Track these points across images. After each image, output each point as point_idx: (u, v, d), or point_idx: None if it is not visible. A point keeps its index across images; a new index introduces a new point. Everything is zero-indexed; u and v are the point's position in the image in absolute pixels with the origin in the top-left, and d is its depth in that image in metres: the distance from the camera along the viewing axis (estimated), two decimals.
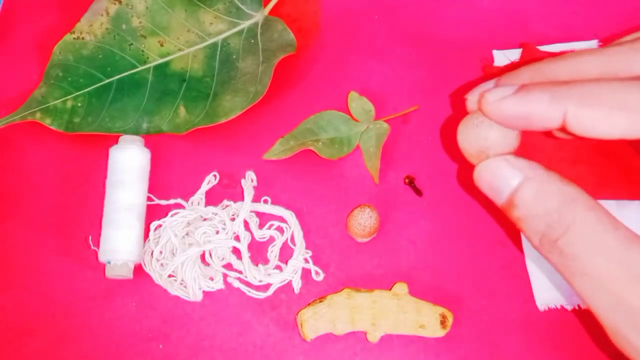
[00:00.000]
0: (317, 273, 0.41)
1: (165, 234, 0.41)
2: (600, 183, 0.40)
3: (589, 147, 0.41)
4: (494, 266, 0.40)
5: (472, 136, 0.26)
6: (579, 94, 0.23)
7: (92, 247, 0.41)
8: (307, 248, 0.41)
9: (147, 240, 0.41)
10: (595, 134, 0.24)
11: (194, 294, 0.40)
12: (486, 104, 0.25)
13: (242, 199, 0.42)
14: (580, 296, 0.23)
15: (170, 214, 0.41)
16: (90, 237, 0.42)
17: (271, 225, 0.42)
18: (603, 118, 0.23)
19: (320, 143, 0.43)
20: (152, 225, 0.41)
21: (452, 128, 0.27)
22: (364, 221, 0.39)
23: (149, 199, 0.42)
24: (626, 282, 0.22)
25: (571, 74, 0.25)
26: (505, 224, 0.41)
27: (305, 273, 0.41)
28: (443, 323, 0.38)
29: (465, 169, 0.43)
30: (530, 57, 0.43)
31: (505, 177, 0.25)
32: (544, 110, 0.24)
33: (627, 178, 0.40)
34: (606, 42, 0.45)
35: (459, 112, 0.44)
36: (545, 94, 0.24)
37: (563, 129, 0.24)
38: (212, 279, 0.40)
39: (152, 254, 0.41)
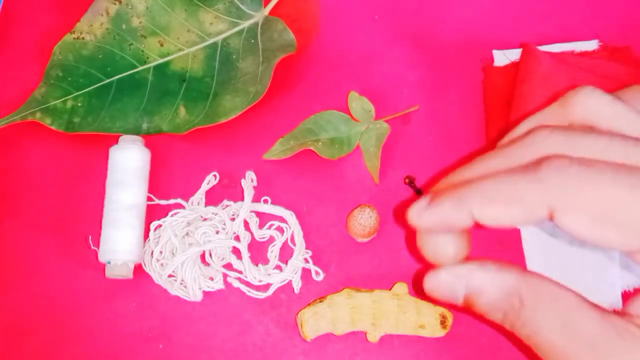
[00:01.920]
0: (317, 273, 0.41)
1: (165, 234, 0.41)
2: None
3: None
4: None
5: (426, 247, 0.28)
6: (478, 195, 0.26)
7: (92, 247, 0.41)
8: (307, 248, 0.41)
9: (147, 240, 0.41)
10: (502, 224, 0.26)
11: (194, 294, 0.40)
12: (410, 220, 0.28)
13: (242, 199, 0.42)
14: None
15: (170, 214, 0.41)
16: (90, 237, 0.42)
17: (271, 225, 0.42)
18: (502, 213, 0.25)
19: (320, 143, 0.43)
20: (152, 225, 0.41)
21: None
22: (364, 221, 0.39)
23: (149, 199, 0.42)
24: (568, 349, 0.24)
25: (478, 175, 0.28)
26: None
27: (305, 273, 0.41)
28: (443, 323, 0.38)
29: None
30: (530, 57, 0.43)
31: (451, 288, 0.27)
32: (452, 216, 0.26)
33: None
34: (606, 42, 0.45)
35: (460, 115, 0.44)
36: (449, 201, 0.26)
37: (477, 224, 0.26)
38: (212, 279, 0.40)
39: (152, 254, 0.41)
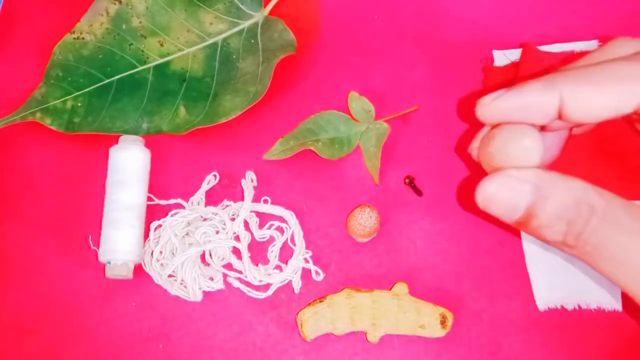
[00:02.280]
0: (317, 273, 0.41)
1: (165, 234, 0.41)
2: (600, 183, 0.40)
3: (588, 148, 0.41)
4: (494, 266, 0.40)
5: (497, 148, 0.25)
6: (571, 77, 0.24)
7: (92, 247, 0.41)
8: (307, 248, 0.41)
9: (147, 240, 0.41)
10: (590, 114, 0.24)
11: (194, 294, 0.40)
12: (482, 107, 0.26)
13: (242, 199, 0.42)
14: (613, 281, 0.23)
15: (170, 214, 0.41)
16: (90, 237, 0.42)
17: (271, 225, 0.42)
18: (596, 94, 0.23)
19: (320, 143, 0.43)
20: (152, 225, 0.41)
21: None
22: (364, 221, 0.39)
23: (149, 199, 0.42)
24: None
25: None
26: (504, 225, 0.41)
27: (305, 273, 0.41)
28: (443, 323, 0.38)
29: (464, 171, 0.43)
30: (530, 57, 0.43)
31: (515, 194, 0.24)
32: (539, 98, 0.24)
33: (627, 178, 0.40)
34: (606, 42, 0.45)
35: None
36: (539, 82, 0.24)
37: (560, 117, 0.24)
38: (212, 279, 0.40)
39: (152, 254, 0.41)
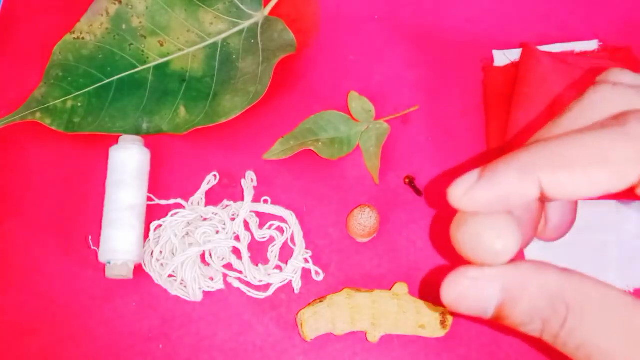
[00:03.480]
0: (317, 273, 0.41)
1: (165, 234, 0.41)
2: None
3: None
4: None
5: (471, 238, 0.22)
6: (549, 158, 0.21)
7: (92, 247, 0.41)
8: (307, 248, 0.41)
9: (147, 240, 0.41)
10: (575, 196, 0.21)
11: (194, 294, 0.40)
12: (456, 200, 0.23)
13: (242, 199, 0.42)
14: None
15: (170, 214, 0.41)
16: (90, 237, 0.42)
17: (271, 225, 0.42)
18: (582, 178, 0.21)
19: (320, 143, 0.43)
20: (152, 225, 0.41)
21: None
22: (364, 221, 0.39)
23: (149, 199, 0.42)
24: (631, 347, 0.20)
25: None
26: None
27: (305, 273, 0.41)
28: (443, 323, 0.38)
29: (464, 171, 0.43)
30: (530, 57, 0.43)
31: (482, 296, 0.22)
32: (516, 188, 0.21)
33: None
34: (606, 42, 0.45)
35: (460, 115, 0.44)
36: (512, 169, 0.21)
37: (544, 197, 0.22)
38: (212, 279, 0.40)
39: (152, 254, 0.41)
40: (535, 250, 0.40)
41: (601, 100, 0.23)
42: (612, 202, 0.39)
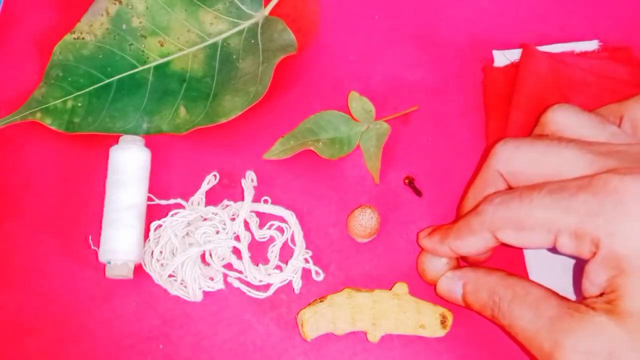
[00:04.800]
0: (317, 273, 0.41)
1: (165, 234, 0.41)
2: None
3: None
4: (494, 266, 0.40)
5: (427, 269, 0.39)
6: (452, 232, 0.36)
7: (92, 247, 0.41)
8: (307, 248, 0.41)
9: (147, 240, 0.41)
10: (470, 253, 0.36)
11: (194, 294, 0.40)
12: (418, 239, 0.39)
13: (242, 199, 0.42)
14: (524, 345, 0.32)
15: (170, 214, 0.41)
16: (90, 237, 0.42)
17: (271, 225, 0.42)
18: (465, 244, 0.35)
19: (320, 143, 0.43)
20: (152, 225, 0.41)
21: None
22: (365, 222, 0.39)
23: (149, 199, 0.42)
24: (538, 329, 0.31)
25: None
26: None
27: (306, 273, 0.41)
28: (443, 323, 0.38)
29: (464, 171, 0.43)
30: (530, 58, 0.43)
31: (452, 288, 0.36)
32: (439, 248, 0.37)
33: None
34: (606, 42, 0.45)
35: (459, 113, 0.44)
36: (437, 237, 0.37)
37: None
38: (212, 279, 0.40)
39: (152, 254, 0.41)
40: (535, 251, 0.40)
41: (493, 156, 0.36)
42: None
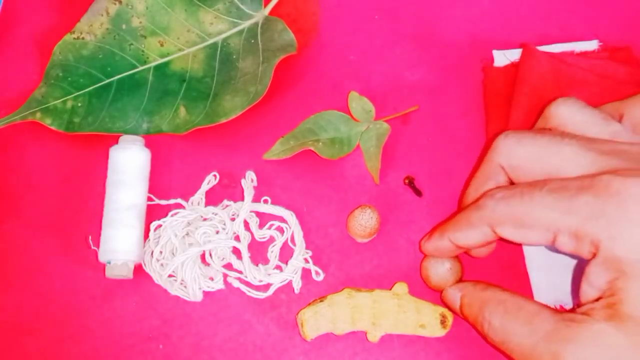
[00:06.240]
0: (317, 273, 0.41)
1: (165, 234, 0.41)
2: None
3: None
4: (494, 266, 0.40)
5: (431, 274, 0.39)
6: (451, 225, 0.36)
7: (92, 247, 0.41)
8: (307, 248, 0.41)
9: (147, 240, 0.41)
10: (469, 246, 0.36)
11: (194, 294, 0.40)
12: (422, 246, 0.39)
13: (242, 199, 0.42)
14: (509, 356, 0.32)
15: (170, 214, 0.41)
16: (90, 237, 0.42)
17: (271, 225, 0.42)
18: (464, 236, 0.35)
19: (320, 143, 0.43)
20: (152, 225, 0.41)
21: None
22: (365, 222, 0.39)
23: (149, 199, 0.42)
24: (533, 345, 0.30)
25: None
26: None
27: (306, 273, 0.41)
28: (443, 323, 0.38)
29: (464, 171, 0.43)
30: (530, 58, 0.43)
31: (453, 300, 0.36)
32: (440, 243, 0.37)
33: None
34: (606, 42, 0.45)
35: (459, 113, 0.44)
36: (437, 233, 0.37)
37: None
38: (212, 279, 0.40)
39: (152, 254, 0.41)
40: (536, 252, 0.40)
41: (494, 149, 0.36)
42: None
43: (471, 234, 0.34)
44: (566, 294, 0.39)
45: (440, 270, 0.38)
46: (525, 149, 0.33)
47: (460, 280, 0.38)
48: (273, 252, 0.41)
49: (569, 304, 0.39)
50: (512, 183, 0.35)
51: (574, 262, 0.39)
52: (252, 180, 0.43)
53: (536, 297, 0.39)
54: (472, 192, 0.37)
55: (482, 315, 0.33)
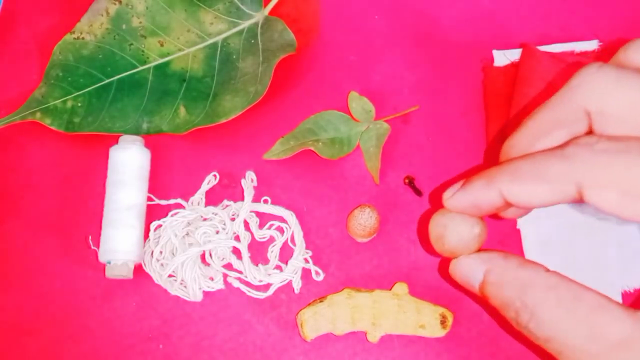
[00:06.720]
0: (317, 273, 0.41)
1: (165, 234, 0.41)
2: None
3: None
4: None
5: (448, 234, 0.29)
6: (507, 173, 0.26)
7: (92, 247, 0.41)
8: (307, 248, 0.41)
9: (147, 240, 0.41)
10: (533, 204, 0.26)
11: (194, 294, 0.40)
12: (444, 201, 0.29)
13: (242, 199, 0.42)
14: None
15: (170, 214, 0.41)
16: (90, 237, 0.42)
17: (271, 225, 0.42)
18: (530, 191, 0.25)
19: (320, 143, 0.43)
20: (152, 225, 0.41)
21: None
22: (364, 221, 0.39)
23: (149, 199, 0.42)
24: (598, 353, 0.23)
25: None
26: (504, 223, 0.41)
27: (305, 273, 0.41)
28: (443, 323, 0.38)
29: (464, 171, 0.43)
30: (530, 57, 0.43)
31: (471, 273, 0.28)
32: (483, 195, 0.27)
33: None
34: (606, 42, 0.45)
35: (458, 114, 0.44)
36: (481, 180, 0.27)
37: (508, 204, 0.27)
38: (212, 279, 0.40)
39: (152, 254, 0.41)
40: (536, 249, 0.40)
41: (580, 85, 0.26)
42: None
43: (541, 190, 0.25)
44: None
45: (465, 233, 0.28)
46: (629, 93, 0.24)
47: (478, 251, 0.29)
48: (273, 252, 0.41)
49: None
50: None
51: (573, 261, 0.39)
52: (252, 180, 0.43)
53: None
54: (530, 141, 0.28)
55: (523, 301, 0.25)
